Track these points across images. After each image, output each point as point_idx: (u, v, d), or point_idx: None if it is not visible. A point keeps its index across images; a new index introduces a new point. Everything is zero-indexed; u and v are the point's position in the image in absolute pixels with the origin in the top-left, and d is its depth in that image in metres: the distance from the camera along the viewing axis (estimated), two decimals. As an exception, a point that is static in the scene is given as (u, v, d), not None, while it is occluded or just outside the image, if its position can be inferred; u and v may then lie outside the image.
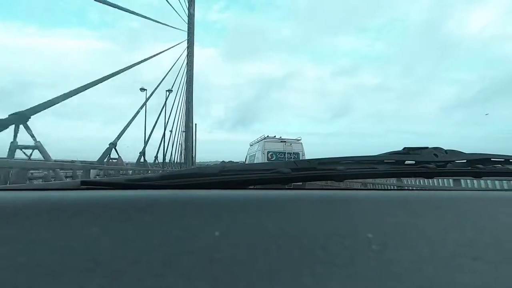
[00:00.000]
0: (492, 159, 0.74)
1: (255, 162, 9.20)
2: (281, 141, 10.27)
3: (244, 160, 11.90)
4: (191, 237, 0.30)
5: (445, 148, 0.71)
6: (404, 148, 0.71)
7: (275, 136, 10.54)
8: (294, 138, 10.63)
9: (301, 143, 10.51)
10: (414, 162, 0.67)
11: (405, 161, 0.69)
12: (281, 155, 9.95)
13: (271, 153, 9.92)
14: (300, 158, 9.03)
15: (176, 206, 0.38)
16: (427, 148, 0.70)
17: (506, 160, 0.74)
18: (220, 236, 0.30)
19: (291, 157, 9.82)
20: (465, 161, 0.72)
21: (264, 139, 10.34)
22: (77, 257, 0.26)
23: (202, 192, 0.46)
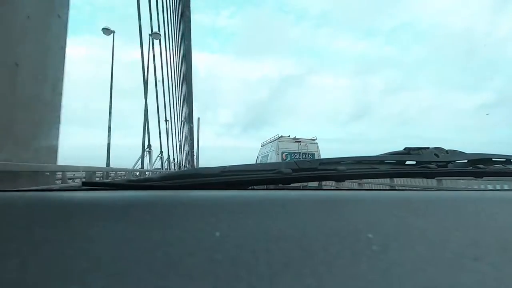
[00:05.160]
0: (493, 159, 0.74)
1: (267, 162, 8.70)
2: (296, 141, 9.73)
3: (255, 162, 11.13)
4: (192, 237, 0.30)
5: (446, 148, 0.71)
6: (405, 148, 0.71)
7: (289, 136, 9.97)
8: (309, 138, 10.08)
9: (317, 143, 9.97)
10: (415, 162, 0.67)
11: (406, 161, 0.68)
12: (295, 155, 9.41)
13: (285, 153, 9.41)
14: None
15: (177, 207, 0.38)
16: (428, 148, 0.70)
17: (507, 160, 0.74)
18: (221, 237, 0.30)
19: (306, 158, 9.15)
20: (466, 161, 0.72)
21: (278, 139, 9.79)
22: (79, 258, 0.26)
23: (203, 192, 0.46)
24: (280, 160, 8.98)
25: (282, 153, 9.42)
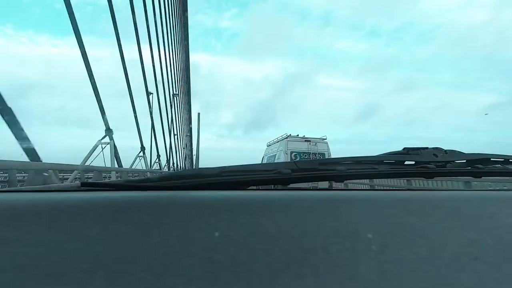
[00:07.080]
0: (491, 159, 0.74)
1: (267, 163, 8.04)
2: (305, 141, 9.26)
3: (261, 161, 10.60)
4: (191, 238, 0.30)
5: (445, 149, 0.71)
6: (404, 148, 0.71)
7: (298, 135, 9.50)
8: (319, 137, 9.59)
9: (327, 143, 9.50)
10: (414, 162, 0.68)
11: (404, 161, 0.69)
12: (305, 155, 8.95)
13: (294, 153, 8.94)
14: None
15: (176, 207, 0.38)
16: (427, 148, 0.70)
17: (506, 160, 0.74)
18: (220, 237, 0.30)
19: (316, 158, 8.57)
20: (464, 161, 0.72)
21: (287, 138, 9.31)
22: (77, 259, 0.26)
23: (202, 193, 0.46)
24: (289, 160, 8.56)
25: (291, 152, 8.97)
